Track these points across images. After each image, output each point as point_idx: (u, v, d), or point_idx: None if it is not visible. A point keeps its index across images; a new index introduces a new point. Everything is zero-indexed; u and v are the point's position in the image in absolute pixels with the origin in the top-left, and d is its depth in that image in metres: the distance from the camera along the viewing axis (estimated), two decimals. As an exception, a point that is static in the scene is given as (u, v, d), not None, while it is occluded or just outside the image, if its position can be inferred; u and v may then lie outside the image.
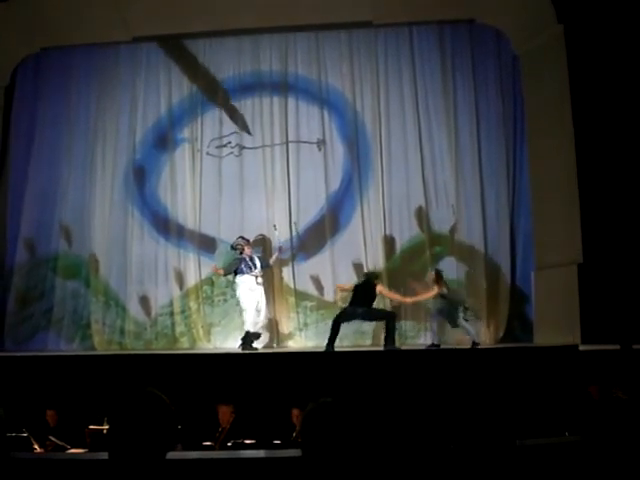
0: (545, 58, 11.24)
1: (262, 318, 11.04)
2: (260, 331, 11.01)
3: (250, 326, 10.84)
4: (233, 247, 11.28)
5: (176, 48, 12.87)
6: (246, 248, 11.06)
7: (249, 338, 10.73)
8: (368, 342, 11.65)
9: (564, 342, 9.73)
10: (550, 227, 11.07)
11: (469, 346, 10.21)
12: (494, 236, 11.90)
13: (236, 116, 12.65)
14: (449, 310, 10.53)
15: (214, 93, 12.78)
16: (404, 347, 10.72)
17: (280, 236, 11.82)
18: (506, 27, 11.98)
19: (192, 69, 12.82)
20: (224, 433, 7.85)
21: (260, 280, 11.08)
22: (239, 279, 11.00)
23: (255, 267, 11.03)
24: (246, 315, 10.93)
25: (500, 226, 11.90)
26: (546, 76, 11.22)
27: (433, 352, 10.20)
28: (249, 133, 12.59)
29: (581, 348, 9.32)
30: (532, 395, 8.41)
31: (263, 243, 12.11)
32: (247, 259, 11.01)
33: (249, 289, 10.94)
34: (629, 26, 10.34)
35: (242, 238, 11.23)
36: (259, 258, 11.24)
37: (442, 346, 10.54)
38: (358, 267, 12.00)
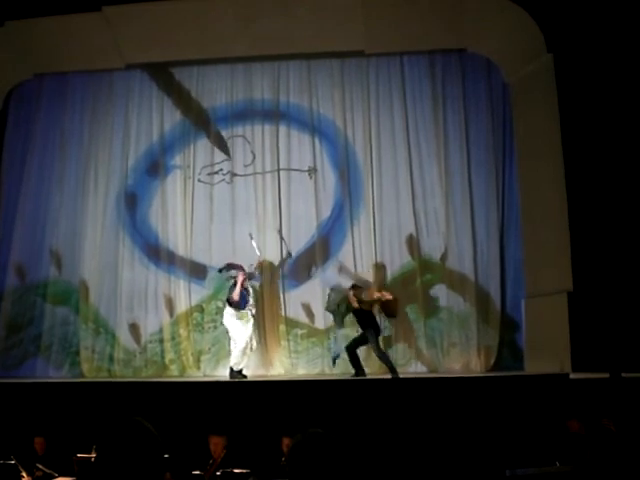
0: (535, 87, 11.34)
1: (247, 355, 10.81)
2: (244, 369, 10.75)
3: (235, 363, 10.64)
4: (220, 271, 11.23)
5: (167, 79, 12.97)
6: (241, 277, 10.89)
7: (233, 374, 10.58)
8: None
9: (555, 370, 9.73)
10: (540, 255, 11.10)
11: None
12: (484, 264, 11.92)
13: (224, 147, 12.72)
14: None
15: (205, 124, 12.84)
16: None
17: (258, 247, 11.69)
18: (496, 56, 12.10)
19: (184, 100, 12.90)
20: (215, 465, 7.77)
21: (254, 311, 11.00)
22: (234, 311, 10.76)
23: (249, 298, 10.91)
24: (235, 347, 10.72)
25: (490, 254, 11.92)
26: (536, 104, 11.32)
27: (424, 381, 10.17)
28: (228, 156, 12.63)
29: (572, 376, 9.31)
30: (523, 424, 8.39)
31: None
32: (244, 291, 10.83)
33: (246, 321, 10.76)
34: (618, 55, 10.45)
35: (231, 266, 11.09)
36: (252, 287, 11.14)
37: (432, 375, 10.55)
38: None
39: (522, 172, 11.77)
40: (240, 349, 10.65)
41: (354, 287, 10.82)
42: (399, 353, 11.72)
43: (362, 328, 10.64)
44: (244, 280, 10.88)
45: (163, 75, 12.99)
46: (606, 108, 10.40)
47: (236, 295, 10.71)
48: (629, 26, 10.43)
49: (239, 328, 10.72)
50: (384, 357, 10.52)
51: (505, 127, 12.21)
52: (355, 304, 10.55)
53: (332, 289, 11.50)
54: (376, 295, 10.80)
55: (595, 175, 10.35)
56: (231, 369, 10.60)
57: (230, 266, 11.19)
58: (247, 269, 11.22)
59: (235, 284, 10.82)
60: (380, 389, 9.54)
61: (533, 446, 7.76)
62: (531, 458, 7.23)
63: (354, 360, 10.54)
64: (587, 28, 10.53)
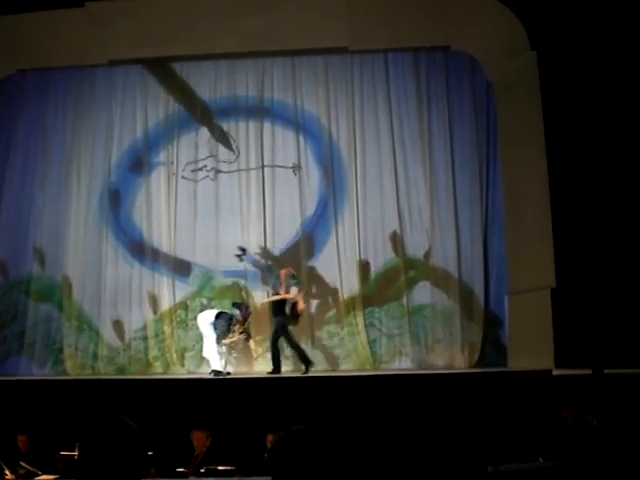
0: (518, 84, 11.38)
1: (227, 354, 10.74)
2: (228, 365, 10.68)
3: (214, 364, 10.53)
4: (234, 305, 11.10)
5: (158, 67, 12.89)
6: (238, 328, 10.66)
7: (216, 373, 10.47)
8: (343, 366, 11.69)
9: (538, 367, 9.78)
10: (523, 252, 11.15)
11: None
12: (468, 261, 11.96)
13: (220, 136, 12.68)
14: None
15: (196, 113, 12.79)
16: (379, 372, 10.71)
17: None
18: (480, 54, 12.13)
19: (175, 88, 12.85)
20: (198, 459, 7.78)
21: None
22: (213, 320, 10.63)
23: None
24: (208, 349, 10.64)
25: (474, 251, 11.97)
26: (519, 102, 11.36)
27: (408, 377, 10.19)
28: (232, 150, 12.59)
29: (555, 373, 9.36)
30: (506, 420, 8.43)
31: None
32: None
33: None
34: (602, 52, 10.51)
35: (238, 306, 10.92)
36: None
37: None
38: (333, 291, 12.01)
39: (506, 169, 11.81)
40: (215, 352, 10.57)
41: (293, 276, 10.97)
42: (383, 349, 11.77)
43: (274, 312, 10.95)
44: (238, 331, 10.67)
45: (146, 72, 12.92)
46: (589, 105, 10.45)
47: (227, 341, 10.60)
48: (612, 23, 10.49)
49: (212, 333, 10.64)
50: (276, 349, 10.76)
51: (489, 124, 12.25)
52: (282, 286, 10.83)
53: (281, 268, 11.36)
54: (300, 305, 10.85)
55: (578, 172, 10.40)
56: (212, 371, 10.56)
57: (237, 305, 11.04)
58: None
59: (231, 324, 10.57)
60: (364, 385, 9.55)
61: (516, 442, 7.80)
62: (514, 454, 7.27)
63: (276, 355, 10.77)
64: (570, 26, 10.58)
